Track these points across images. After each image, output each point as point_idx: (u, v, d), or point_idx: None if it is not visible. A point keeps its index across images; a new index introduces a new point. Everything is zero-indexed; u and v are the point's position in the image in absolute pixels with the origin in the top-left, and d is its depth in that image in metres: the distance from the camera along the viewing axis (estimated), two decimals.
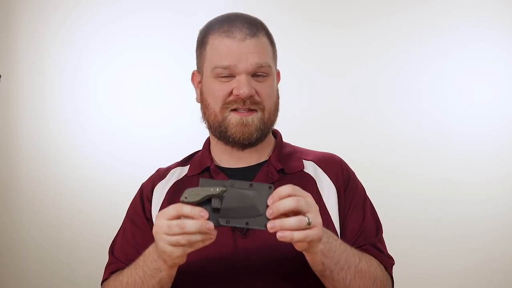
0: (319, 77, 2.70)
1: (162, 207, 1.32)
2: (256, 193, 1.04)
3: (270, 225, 1.02)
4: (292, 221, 1.02)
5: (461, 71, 2.64)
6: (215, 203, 1.04)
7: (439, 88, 2.65)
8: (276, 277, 1.21)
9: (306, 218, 1.03)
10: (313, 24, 2.70)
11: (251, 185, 1.05)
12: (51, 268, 2.71)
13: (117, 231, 1.38)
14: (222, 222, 1.04)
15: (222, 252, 1.21)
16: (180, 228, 1.03)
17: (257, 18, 1.34)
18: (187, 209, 1.04)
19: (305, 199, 1.04)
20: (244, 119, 1.27)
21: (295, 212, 1.03)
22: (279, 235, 1.02)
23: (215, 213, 1.04)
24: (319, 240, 1.07)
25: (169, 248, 1.06)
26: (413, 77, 2.66)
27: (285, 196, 1.03)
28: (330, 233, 1.13)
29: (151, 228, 1.23)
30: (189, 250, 1.06)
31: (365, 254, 1.23)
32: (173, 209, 1.05)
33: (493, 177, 2.59)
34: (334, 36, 2.69)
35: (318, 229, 1.05)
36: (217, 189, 1.04)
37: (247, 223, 1.04)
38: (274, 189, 1.05)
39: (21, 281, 2.73)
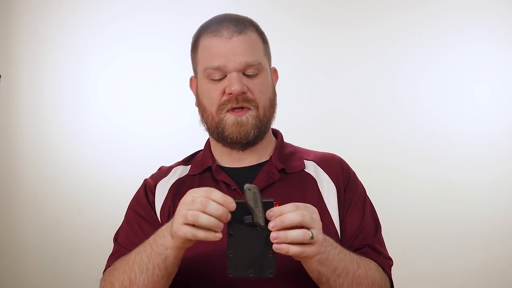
0: (319, 77, 2.70)
1: (165, 204, 1.32)
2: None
3: (274, 235, 1.01)
4: (296, 233, 1.01)
5: (461, 71, 2.64)
6: (247, 219, 1.02)
7: (439, 88, 2.65)
8: (277, 276, 1.21)
9: (310, 233, 1.02)
10: (313, 24, 2.70)
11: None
12: (51, 268, 2.71)
13: (120, 225, 1.37)
14: (230, 230, 1.03)
15: (223, 251, 1.21)
16: (202, 205, 1.01)
17: (246, 17, 1.35)
18: (218, 194, 1.02)
19: (310, 214, 1.03)
20: (239, 119, 1.28)
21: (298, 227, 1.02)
22: (275, 246, 1.01)
23: (237, 222, 1.02)
24: (314, 256, 1.06)
25: (176, 226, 1.04)
26: (413, 77, 2.66)
27: (288, 212, 1.02)
28: (330, 241, 1.13)
29: (156, 220, 1.25)
30: (190, 235, 1.03)
31: (363, 258, 1.23)
32: (205, 190, 1.03)
33: (493, 177, 2.59)
34: (334, 36, 2.69)
35: (317, 247, 1.04)
36: (261, 221, 1.01)
37: (230, 254, 1.03)
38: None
39: (21, 281, 2.73)
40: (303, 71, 2.68)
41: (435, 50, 2.65)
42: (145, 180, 1.40)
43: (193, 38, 1.36)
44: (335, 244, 1.15)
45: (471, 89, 2.63)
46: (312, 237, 1.02)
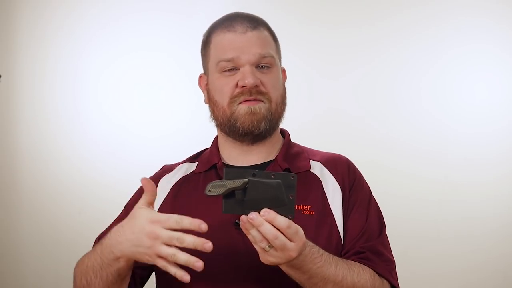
0: (319, 77, 2.70)
1: (166, 201, 1.33)
2: (278, 183, 1.05)
3: (253, 215, 1.03)
4: (256, 234, 1.03)
5: (461, 71, 2.64)
6: (238, 195, 1.05)
7: (439, 88, 2.65)
8: (277, 275, 1.21)
9: (267, 246, 1.04)
10: (313, 24, 2.70)
11: (273, 175, 1.06)
12: (51, 268, 2.71)
13: (111, 223, 1.38)
14: (248, 213, 1.05)
15: (226, 250, 1.21)
16: (180, 242, 1.03)
17: (257, 15, 1.37)
18: (188, 221, 1.04)
19: (284, 241, 1.04)
20: (252, 108, 1.28)
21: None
22: (243, 219, 1.04)
23: (240, 205, 1.05)
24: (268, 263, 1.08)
25: (150, 255, 1.06)
26: (413, 77, 2.66)
27: (280, 227, 1.03)
28: (312, 255, 1.11)
29: None
30: (164, 268, 1.06)
31: (356, 267, 1.21)
32: (174, 220, 1.05)
33: (493, 177, 2.59)
34: (334, 37, 2.69)
35: (272, 257, 1.05)
36: (240, 182, 1.05)
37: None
38: (297, 179, 1.06)
39: (21, 281, 2.73)
40: (303, 71, 2.68)
41: (435, 50, 2.65)
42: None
43: (204, 36, 1.37)
44: (318, 259, 1.13)
45: (471, 89, 2.63)
46: (269, 247, 1.04)
